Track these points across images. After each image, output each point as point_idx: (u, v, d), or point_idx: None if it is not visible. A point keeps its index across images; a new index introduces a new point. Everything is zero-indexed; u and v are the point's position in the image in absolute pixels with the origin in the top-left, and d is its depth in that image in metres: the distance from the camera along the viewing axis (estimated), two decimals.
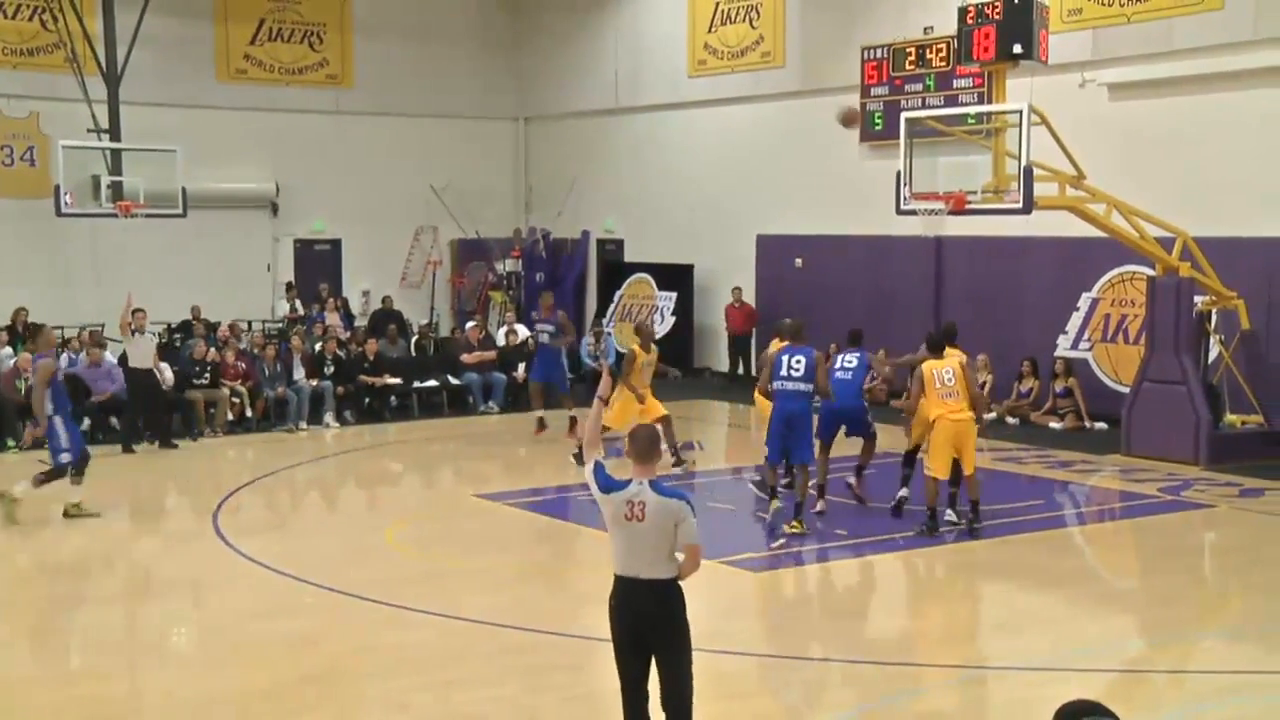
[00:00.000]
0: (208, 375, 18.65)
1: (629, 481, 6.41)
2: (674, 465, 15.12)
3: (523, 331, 22.36)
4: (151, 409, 17.66)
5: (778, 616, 10.64)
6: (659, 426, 5.75)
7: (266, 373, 19.16)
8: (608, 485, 6.45)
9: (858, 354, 13.69)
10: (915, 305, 21.15)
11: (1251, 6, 17.04)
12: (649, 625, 6.44)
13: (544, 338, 18.01)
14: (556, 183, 27.79)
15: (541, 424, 17.63)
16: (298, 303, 24.49)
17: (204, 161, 23.21)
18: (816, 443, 12.89)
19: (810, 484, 12.63)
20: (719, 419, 20.98)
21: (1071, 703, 3.80)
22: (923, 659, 9.09)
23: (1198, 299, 16.22)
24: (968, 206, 14.87)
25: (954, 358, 12.48)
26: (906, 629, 9.89)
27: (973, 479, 12.39)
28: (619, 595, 6.54)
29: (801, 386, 12.38)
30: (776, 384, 12.49)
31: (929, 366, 12.33)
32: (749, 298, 23.55)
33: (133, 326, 17.43)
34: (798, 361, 12.47)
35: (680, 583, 6.41)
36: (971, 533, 12.19)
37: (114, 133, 22.15)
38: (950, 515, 12.45)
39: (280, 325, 23.96)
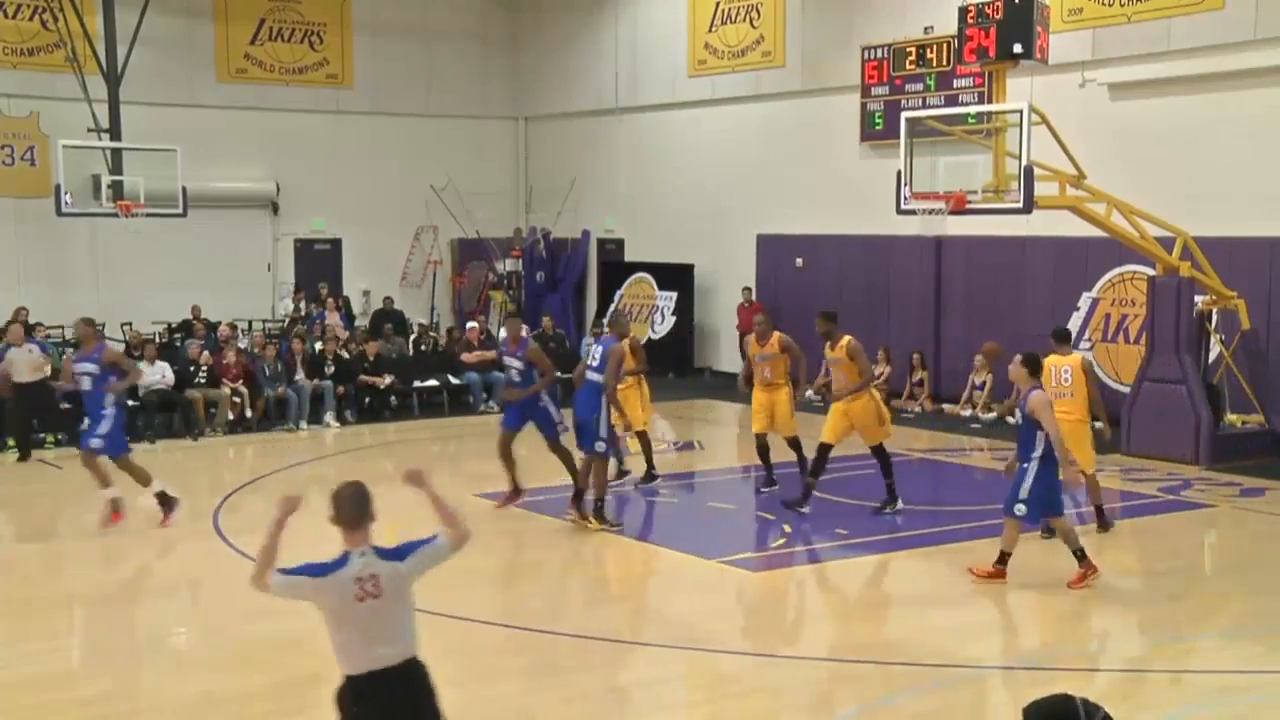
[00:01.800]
0: (204, 375, 18.64)
1: (346, 556, 5.35)
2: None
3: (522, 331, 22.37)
4: (43, 416, 16.95)
5: (777, 616, 10.63)
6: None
7: (267, 372, 19.16)
8: (319, 570, 5.33)
9: (601, 347, 12.77)
10: (915, 305, 21.17)
11: (1251, 6, 17.03)
12: (408, 716, 5.40)
13: (85, 382, 12.79)
14: (557, 182, 27.79)
15: (115, 506, 12.83)
16: (302, 304, 24.47)
17: (204, 161, 23.23)
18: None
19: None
20: (721, 419, 20.97)
21: (1040, 701, 3.69)
22: (923, 659, 9.08)
23: (1198, 299, 16.22)
24: (968, 206, 14.87)
25: (1076, 357, 12.39)
26: (906, 628, 9.88)
27: (1091, 482, 12.29)
28: (363, 696, 5.32)
29: (595, 377, 12.61)
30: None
31: (1050, 362, 12.11)
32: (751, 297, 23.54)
33: (6, 340, 16.66)
34: (598, 351, 12.77)
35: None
36: (1103, 530, 12.37)
37: (114, 132, 22.17)
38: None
39: (281, 324, 23.97)
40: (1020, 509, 10.46)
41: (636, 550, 12.29)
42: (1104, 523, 12.54)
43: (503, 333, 16.17)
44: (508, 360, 13.31)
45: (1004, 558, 10.66)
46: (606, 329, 13.32)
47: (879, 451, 13.09)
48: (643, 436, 14.59)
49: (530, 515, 13.25)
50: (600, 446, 12.45)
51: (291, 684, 8.55)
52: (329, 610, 5.31)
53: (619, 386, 13.51)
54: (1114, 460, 16.10)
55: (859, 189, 21.13)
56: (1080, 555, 10.61)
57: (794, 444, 13.94)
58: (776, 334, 13.87)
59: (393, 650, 5.35)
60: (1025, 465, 10.45)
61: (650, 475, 14.54)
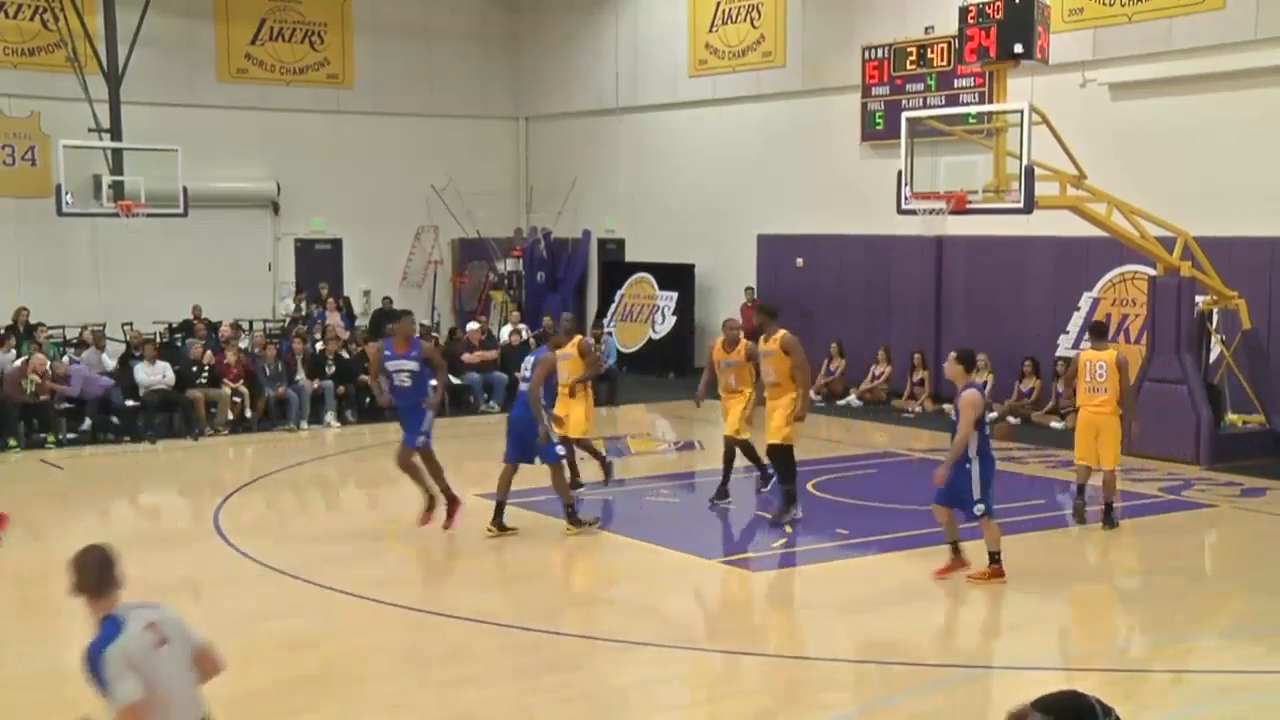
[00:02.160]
0: (206, 375, 18.65)
1: (112, 618, 4.88)
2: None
3: (525, 331, 22.40)
4: None
5: (777, 616, 10.63)
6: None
7: (268, 372, 19.16)
8: (107, 638, 4.81)
9: (533, 357, 12.44)
10: (915, 305, 21.16)
11: (1252, 6, 17.03)
12: None
13: None
14: (557, 182, 27.80)
15: None
16: (303, 304, 24.47)
17: (205, 161, 23.24)
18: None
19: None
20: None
21: (1051, 696, 3.67)
22: (923, 659, 9.08)
23: (1199, 299, 16.21)
24: (969, 206, 14.86)
25: (1111, 352, 12.53)
26: (906, 629, 9.87)
27: (1109, 478, 12.52)
28: None
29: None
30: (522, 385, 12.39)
31: (1085, 356, 12.54)
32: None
33: None
34: (529, 362, 12.34)
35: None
36: (1108, 527, 12.55)
37: (115, 132, 22.18)
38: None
39: (282, 324, 23.97)
40: (980, 509, 10.46)
41: (636, 550, 12.28)
42: (1110, 520, 12.59)
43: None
44: (395, 364, 12.14)
45: (994, 557, 10.64)
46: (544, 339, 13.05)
47: (775, 453, 12.63)
48: (581, 443, 14.10)
49: (529, 515, 13.24)
50: (560, 451, 12.25)
51: (291, 684, 8.55)
52: (138, 673, 4.79)
53: (562, 390, 13.30)
54: None
55: (859, 189, 21.13)
56: (955, 548, 10.69)
57: (730, 447, 13.47)
58: (744, 342, 13.39)
59: (193, 695, 5.11)
60: (967, 465, 10.42)
61: (608, 471, 14.17)
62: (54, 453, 17.04)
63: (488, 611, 9.91)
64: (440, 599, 10.55)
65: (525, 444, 12.22)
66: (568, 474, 13.15)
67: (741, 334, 13.59)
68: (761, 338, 12.71)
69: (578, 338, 14.04)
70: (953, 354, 10.73)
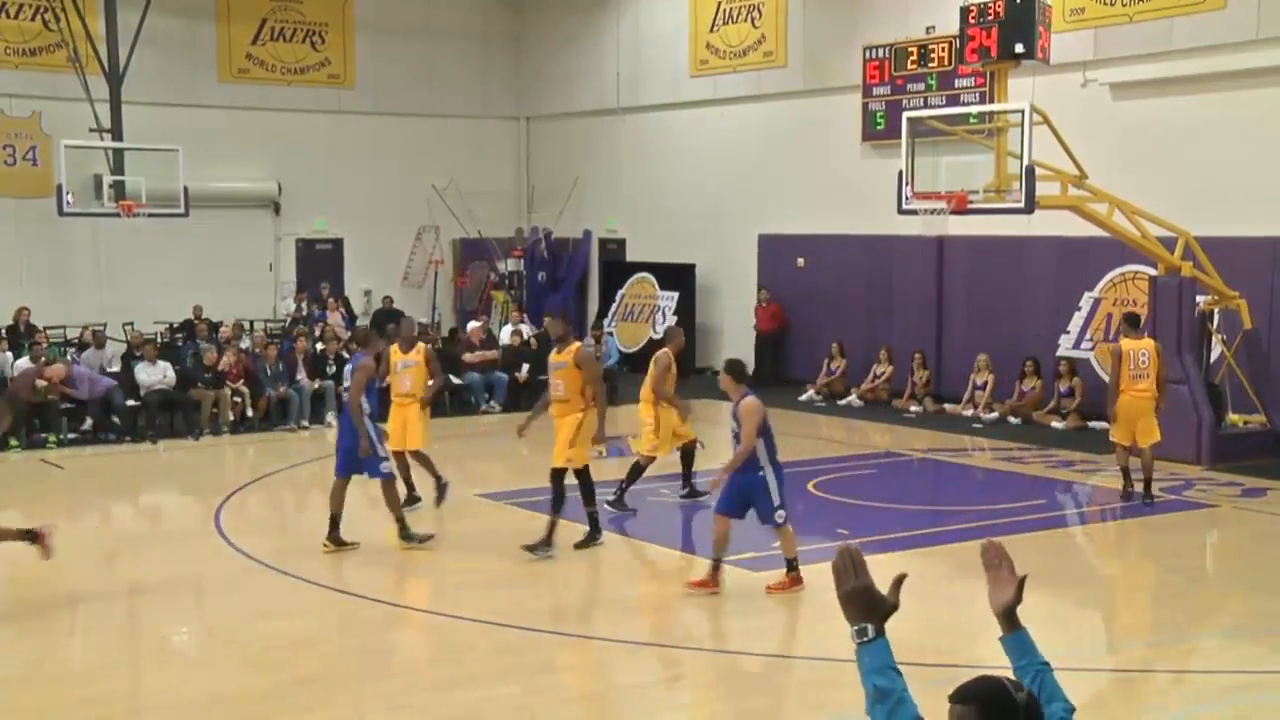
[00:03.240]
0: (212, 377, 18.65)
1: None
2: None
3: (526, 331, 22.39)
4: None
5: (778, 616, 10.62)
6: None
7: (269, 372, 19.16)
8: None
9: (350, 364, 11.97)
10: (916, 305, 21.15)
11: (1254, 5, 17.01)
12: None
13: None
14: (558, 182, 27.79)
15: None
16: (304, 304, 24.46)
17: (206, 161, 23.23)
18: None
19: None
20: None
21: (968, 685, 3.62)
22: (923, 659, 9.06)
23: (1200, 299, 16.20)
24: (970, 206, 14.86)
25: (1149, 341, 13.47)
26: (907, 629, 9.86)
27: (1148, 457, 13.36)
28: None
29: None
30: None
31: (1128, 346, 13.26)
32: (751, 297, 23.47)
33: None
34: (349, 370, 11.88)
35: None
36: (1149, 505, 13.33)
37: (116, 132, 22.17)
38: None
39: (283, 324, 23.97)
40: (781, 515, 10.28)
41: (637, 550, 12.29)
42: (1149, 497, 13.46)
43: None
44: None
45: (792, 565, 10.41)
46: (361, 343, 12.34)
47: (578, 474, 11.81)
48: (418, 455, 13.37)
49: (533, 515, 13.24)
50: (386, 468, 11.67)
51: (291, 684, 8.55)
52: None
53: (408, 400, 13.07)
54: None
55: (860, 189, 21.12)
56: (716, 565, 10.39)
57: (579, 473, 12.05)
58: (576, 344, 11.97)
59: None
60: (761, 474, 10.17)
61: (411, 498, 13.24)
62: (55, 453, 17.05)
63: (488, 611, 9.90)
64: (440, 599, 10.54)
65: (352, 455, 11.68)
66: (401, 489, 12.49)
67: (566, 329, 12.07)
68: (555, 348, 11.88)
69: (422, 345, 13.46)
70: (723, 365, 10.52)
